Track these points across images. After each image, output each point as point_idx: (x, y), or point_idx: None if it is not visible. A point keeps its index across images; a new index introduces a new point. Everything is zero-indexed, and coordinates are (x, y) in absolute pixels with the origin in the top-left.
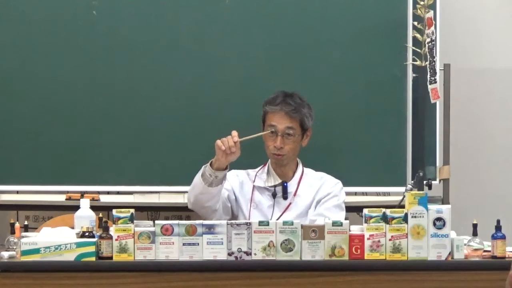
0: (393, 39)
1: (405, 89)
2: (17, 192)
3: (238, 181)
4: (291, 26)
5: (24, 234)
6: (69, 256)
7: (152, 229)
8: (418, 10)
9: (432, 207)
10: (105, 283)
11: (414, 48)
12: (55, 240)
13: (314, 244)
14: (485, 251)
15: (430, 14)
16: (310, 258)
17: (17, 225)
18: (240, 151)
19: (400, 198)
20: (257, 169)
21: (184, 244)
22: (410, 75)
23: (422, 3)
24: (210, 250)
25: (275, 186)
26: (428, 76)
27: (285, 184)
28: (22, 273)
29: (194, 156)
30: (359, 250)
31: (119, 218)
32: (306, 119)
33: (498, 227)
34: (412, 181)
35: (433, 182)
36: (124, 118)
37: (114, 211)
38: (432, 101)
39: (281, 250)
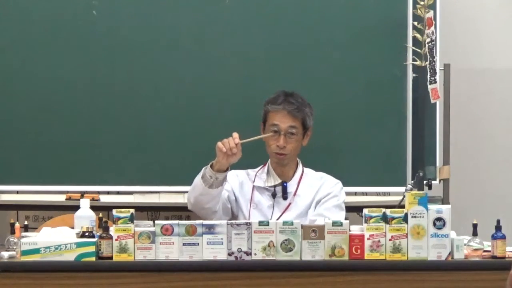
0: (393, 39)
1: (405, 89)
2: (17, 192)
3: (238, 182)
4: (291, 26)
5: (24, 234)
6: (69, 256)
7: (152, 229)
8: (418, 10)
9: (432, 207)
10: (105, 283)
11: (414, 48)
12: (55, 240)
13: (314, 244)
14: (485, 251)
15: (430, 14)
16: (310, 258)
17: (17, 225)
18: (241, 153)
19: (400, 198)
20: (256, 169)
21: (184, 244)
22: (410, 75)
23: (422, 3)
24: (210, 250)
25: (275, 186)
26: (428, 76)
27: (285, 184)
28: (22, 273)
29: (194, 156)
30: (359, 250)
31: (119, 218)
32: (307, 118)
33: (498, 227)
34: (412, 181)
35: (433, 182)
36: (124, 118)
37: (114, 211)
38: (432, 101)
39: (281, 250)
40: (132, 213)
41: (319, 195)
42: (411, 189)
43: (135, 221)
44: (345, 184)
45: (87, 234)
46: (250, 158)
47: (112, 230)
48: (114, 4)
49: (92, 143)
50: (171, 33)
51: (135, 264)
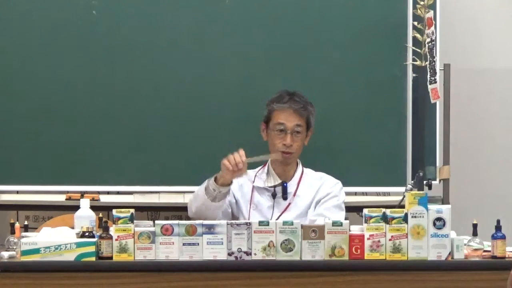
0: (393, 39)
1: (405, 89)
2: (17, 192)
3: (237, 184)
4: (291, 26)
5: (24, 234)
6: (69, 256)
7: (152, 229)
8: (418, 10)
9: (432, 207)
10: (105, 283)
11: (414, 48)
12: (55, 240)
13: (314, 244)
14: (485, 251)
15: (430, 14)
16: (310, 258)
17: (17, 225)
18: (246, 168)
19: (400, 198)
20: (256, 170)
21: (184, 244)
22: (410, 75)
23: (422, 3)
24: (210, 250)
25: (275, 186)
26: (428, 76)
27: (285, 184)
28: (22, 273)
29: (194, 156)
30: (359, 250)
31: (119, 218)
32: (311, 117)
33: (498, 227)
34: (412, 181)
35: (433, 182)
36: (124, 118)
37: (114, 211)
38: (432, 101)
39: (281, 250)
40: (132, 213)
41: (319, 195)
42: (411, 189)
43: (135, 221)
44: (345, 184)
45: (87, 234)
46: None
47: (112, 230)
48: (114, 4)
49: (92, 143)
50: (171, 33)
51: (135, 264)
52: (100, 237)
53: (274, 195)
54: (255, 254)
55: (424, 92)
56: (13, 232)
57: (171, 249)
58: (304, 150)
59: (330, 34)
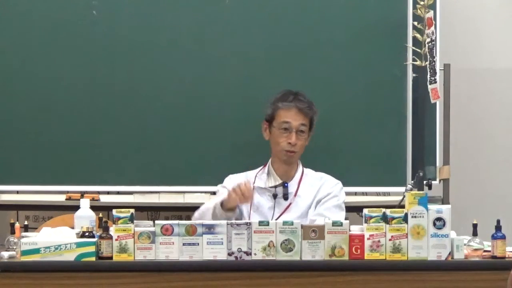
0: (393, 39)
1: (405, 89)
2: (17, 192)
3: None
4: (291, 26)
5: (24, 234)
6: (69, 256)
7: (152, 229)
8: (418, 10)
9: (432, 207)
10: (105, 283)
11: (414, 48)
12: (55, 240)
13: (314, 244)
14: (485, 251)
15: (430, 14)
16: (310, 258)
17: (17, 225)
18: (252, 195)
19: (400, 198)
20: (256, 170)
21: (184, 244)
22: (410, 75)
23: (422, 3)
24: (210, 250)
25: (275, 186)
26: (428, 76)
27: (285, 184)
28: (22, 273)
29: (194, 156)
30: (359, 250)
31: (119, 218)
32: (314, 117)
33: (498, 227)
34: (412, 181)
35: (433, 182)
36: (124, 118)
37: (114, 211)
38: (432, 101)
39: (281, 250)
40: (132, 213)
41: (320, 195)
42: (411, 189)
43: (135, 221)
44: (345, 184)
45: (87, 234)
46: (251, 158)
47: (112, 230)
48: (114, 4)
49: (92, 143)
50: (171, 33)
51: (135, 264)
52: (100, 237)
53: (275, 196)
54: (255, 254)
55: (424, 92)
56: (13, 232)
57: (171, 249)
58: (304, 150)
59: (330, 34)
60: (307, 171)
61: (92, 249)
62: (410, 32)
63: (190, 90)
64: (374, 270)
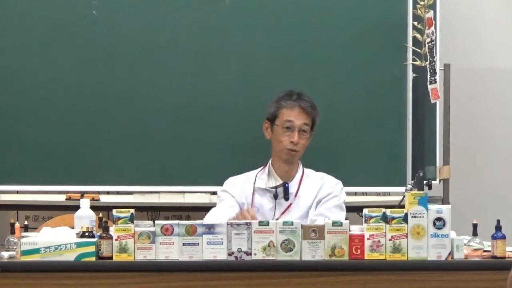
0: (393, 39)
1: (405, 89)
2: (17, 192)
3: (237, 190)
4: (291, 26)
5: (24, 234)
6: (69, 256)
7: (152, 229)
8: (418, 10)
9: (432, 207)
10: (105, 283)
11: (414, 48)
12: (55, 240)
13: (314, 244)
14: (485, 251)
15: (430, 14)
16: (310, 258)
17: (17, 225)
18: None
19: (400, 198)
20: (256, 171)
21: (184, 244)
22: (410, 75)
23: (422, 3)
24: (210, 250)
25: (276, 187)
26: (428, 76)
27: (286, 185)
28: (22, 273)
29: (194, 156)
30: (359, 250)
31: (119, 218)
32: (316, 118)
33: (498, 227)
34: (412, 181)
35: (433, 182)
36: (124, 118)
37: (114, 211)
38: (432, 101)
39: (281, 250)
40: (132, 213)
41: (320, 195)
42: (411, 189)
43: (135, 221)
44: (345, 184)
45: (87, 234)
46: (251, 158)
47: (112, 230)
48: (114, 4)
49: (92, 143)
50: (171, 33)
51: (135, 264)
52: (100, 237)
53: (275, 196)
54: (255, 254)
55: (424, 92)
56: (13, 232)
57: (171, 249)
58: (305, 150)
59: (330, 34)
60: (308, 171)
61: (92, 249)
62: (410, 32)
63: (190, 90)
64: (374, 270)
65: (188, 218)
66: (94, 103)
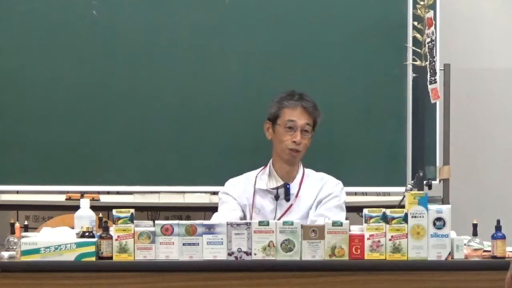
0: (393, 39)
1: (405, 89)
2: (17, 192)
3: (237, 193)
4: (291, 26)
5: (24, 234)
6: (69, 256)
7: (152, 229)
8: (418, 10)
9: (432, 207)
10: (105, 283)
11: (414, 48)
12: (55, 240)
13: (314, 244)
14: (485, 251)
15: (430, 14)
16: (310, 258)
17: (17, 225)
18: None
19: (400, 198)
20: (256, 171)
21: (184, 244)
22: (410, 75)
23: (422, 3)
24: (210, 250)
25: (277, 188)
26: (428, 76)
27: (287, 186)
28: (22, 273)
29: (194, 156)
30: (359, 250)
31: (119, 218)
32: (318, 119)
33: (498, 227)
34: (412, 181)
35: (433, 182)
36: (124, 118)
37: (114, 211)
38: (432, 101)
39: (281, 250)
40: (132, 213)
41: (320, 195)
42: (411, 189)
43: (135, 221)
44: (345, 184)
45: (87, 234)
46: (252, 158)
47: (112, 230)
48: (114, 4)
49: (92, 143)
50: (171, 33)
51: (135, 264)
52: (100, 237)
53: (276, 197)
54: (255, 254)
55: (424, 92)
56: (13, 232)
57: (171, 249)
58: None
59: (330, 34)
60: (308, 171)
61: (92, 249)
62: (410, 32)
63: (190, 90)
64: (374, 270)
65: (188, 218)
66: (94, 103)
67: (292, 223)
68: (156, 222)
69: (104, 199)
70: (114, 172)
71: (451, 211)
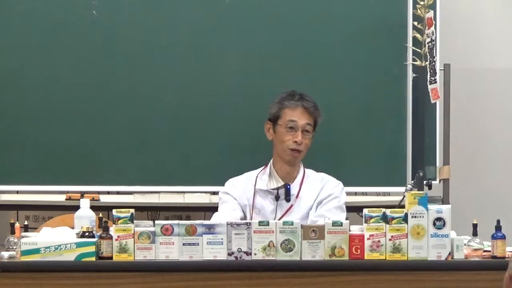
0: (393, 39)
1: (405, 89)
2: (17, 192)
3: (237, 193)
4: (291, 26)
5: (24, 234)
6: (69, 256)
7: (152, 229)
8: (418, 10)
9: (432, 207)
10: (105, 283)
11: (414, 48)
12: (55, 240)
13: (314, 244)
14: (485, 251)
15: (430, 14)
16: (310, 258)
17: (17, 225)
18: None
19: (400, 198)
20: (257, 171)
21: (184, 244)
22: (410, 75)
23: (422, 3)
24: (210, 250)
25: (278, 188)
26: (428, 76)
27: (288, 186)
28: (22, 273)
29: (194, 156)
30: (359, 250)
31: (119, 218)
32: (318, 119)
33: (498, 227)
34: (412, 181)
35: (433, 182)
36: (124, 118)
37: (114, 211)
38: (432, 101)
39: (281, 250)
40: (132, 213)
41: (321, 196)
42: (411, 189)
43: (135, 221)
44: (345, 184)
45: (87, 234)
46: (252, 158)
47: (112, 230)
48: (114, 4)
49: (92, 143)
50: (171, 33)
51: (135, 264)
52: (100, 237)
53: (277, 198)
54: (255, 254)
55: (424, 92)
56: (13, 232)
57: (171, 249)
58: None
59: (330, 34)
60: (309, 171)
61: (92, 249)
62: (410, 32)
63: (190, 90)
64: (374, 270)
65: (188, 218)
66: (94, 103)
67: (292, 223)
68: (156, 222)
69: (104, 199)
70: (114, 172)
71: (451, 211)
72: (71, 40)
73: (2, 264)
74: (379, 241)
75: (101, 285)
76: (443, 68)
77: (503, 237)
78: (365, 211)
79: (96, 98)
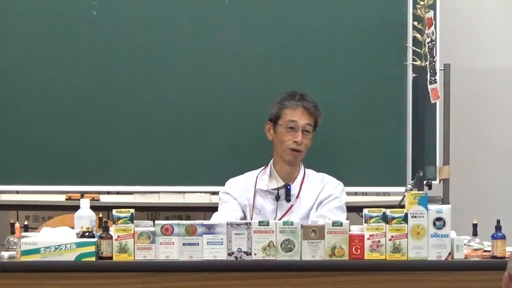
0: (393, 39)
1: (405, 89)
2: (17, 192)
3: (237, 193)
4: (291, 26)
5: (24, 234)
6: (69, 256)
7: (152, 229)
8: (418, 10)
9: (432, 207)
10: (105, 283)
11: (414, 48)
12: (55, 240)
13: (314, 244)
14: (485, 251)
15: (430, 14)
16: (310, 258)
17: (17, 225)
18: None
19: (400, 198)
20: (257, 171)
21: (184, 244)
22: (410, 75)
23: (422, 3)
24: (210, 250)
25: (278, 188)
26: (428, 76)
27: (288, 186)
28: (22, 273)
29: (194, 156)
30: (359, 250)
31: (119, 218)
32: (319, 119)
33: (498, 227)
34: (412, 181)
35: (433, 182)
36: (124, 118)
37: (114, 211)
38: (432, 101)
39: (281, 250)
40: (132, 213)
41: (321, 196)
42: (411, 189)
43: (135, 221)
44: (345, 184)
45: (87, 234)
46: (252, 158)
47: (112, 230)
48: (114, 4)
49: (92, 143)
50: (171, 33)
51: (135, 264)
52: (100, 237)
53: (277, 198)
54: (255, 254)
55: (424, 92)
56: (13, 232)
57: (171, 249)
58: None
59: (330, 34)
60: (309, 172)
61: (92, 249)
62: (410, 32)
63: (190, 90)
64: (374, 270)
65: (188, 218)
66: (94, 103)
67: (292, 223)
68: (156, 222)
69: (104, 199)
70: (114, 172)
71: (451, 211)
72: (71, 40)
73: (2, 264)
74: (379, 241)
75: (101, 285)
76: (443, 68)
77: (503, 237)
78: (365, 211)
79: (96, 98)
